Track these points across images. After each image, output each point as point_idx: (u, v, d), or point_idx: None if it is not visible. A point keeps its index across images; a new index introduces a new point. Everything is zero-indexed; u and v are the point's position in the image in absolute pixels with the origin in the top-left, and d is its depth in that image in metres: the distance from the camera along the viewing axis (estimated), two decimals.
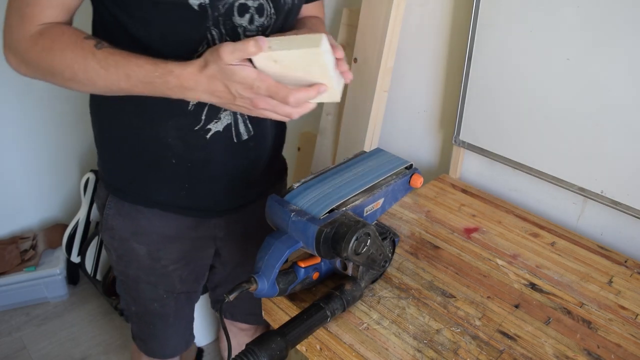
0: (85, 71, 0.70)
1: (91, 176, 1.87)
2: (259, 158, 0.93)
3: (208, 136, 0.84)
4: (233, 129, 0.86)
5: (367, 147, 1.30)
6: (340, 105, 1.39)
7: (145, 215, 0.92)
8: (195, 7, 0.71)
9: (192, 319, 1.14)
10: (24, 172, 1.97)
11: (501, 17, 0.99)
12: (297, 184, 0.77)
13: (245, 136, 0.87)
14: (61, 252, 1.94)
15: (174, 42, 0.74)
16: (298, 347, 0.74)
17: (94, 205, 1.89)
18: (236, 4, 0.74)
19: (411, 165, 0.84)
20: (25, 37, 0.70)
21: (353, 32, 1.29)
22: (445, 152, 1.27)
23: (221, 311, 0.67)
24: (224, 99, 0.70)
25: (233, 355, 0.62)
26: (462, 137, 1.14)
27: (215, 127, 0.84)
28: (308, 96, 0.69)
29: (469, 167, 1.21)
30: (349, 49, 1.33)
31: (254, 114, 0.72)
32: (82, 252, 1.87)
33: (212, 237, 1.00)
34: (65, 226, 1.92)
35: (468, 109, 1.11)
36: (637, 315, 0.81)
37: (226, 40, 0.74)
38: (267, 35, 0.79)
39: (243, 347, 0.63)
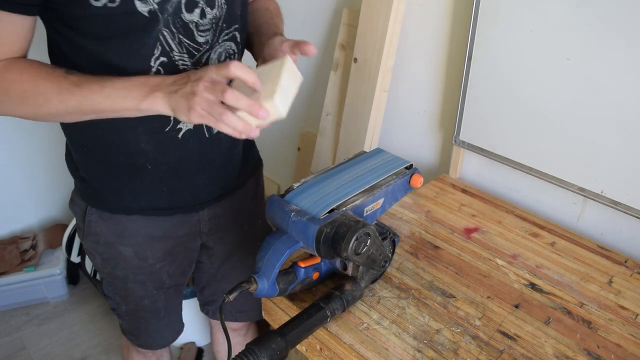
0: (59, 92, 0.70)
1: None
2: (232, 148, 0.93)
3: (180, 136, 0.84)
4: (205, 125, 0.85)
5: (367, 147, 1.30)
6: (340, 105, 1.39)
7: (129, 219, 0.92)
8: (146, 14, 0.71)
9: (181, 309, 1.15)
10: (24, 172, 1.97)
11: (501, 17, 0.99)
12: (297, 184, 0.77)
13: (215, 130, 0.87)
14: (61, 252, 1.93)
15: (130, 50, 0.74)
16: (298, 347, 0.74)
17: None
18: (183, 1, 0.74)
19: (411, 165, 0.84)
20: None
21: (353, 32, 1.29)
22: (445, 152, 1.27)
23: (221, 310, 0.67)
24: (177, 84, 0.69)
25: (233, 355, 0.62)
26: (462, 137, 1.14)
27: (186, 125, 0.84)
28: (245, 103, 0.65)
29: (469, 167, 1.21)
30: (349, 49, 1.33)
31: (191, 105, 0.67)
32: (82, 252, 1.87)
33: (197, 232, 1.01)
34: (65, 226, 1.92)
35: (468, 109, 1.11)
36: (637, 315, 0.81)
37: (179, 39, 0.75)
38: (220, 27, 0.80)
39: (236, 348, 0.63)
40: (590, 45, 0.89)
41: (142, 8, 0.70)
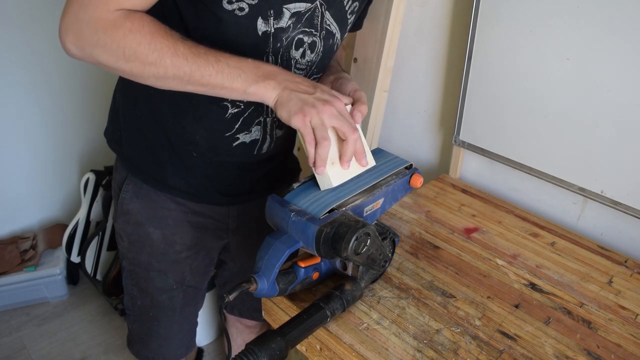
0: (175, 55, 0.68)
1: (91, 176, 1.87)
2: (270, 160, 0.98)
3: (234, 144, 0.88)
4: (258, 144, 0.90)
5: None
6: None
7: (162, 198, 0.95)
8: (259, 33, 0.75)
9: (195, 324, 1.14)
10: (24, 172, 1.97)
11: (501, 17, 0.99)
12: (297, 184, 0.77)
13: (264, 150, 0.92)
14: (61, 252, 1.94)
15: (233, 51, 0.75)
16: (298, 347, 0.74)
17: (94, 205, 1.90)
18: (296, 38, 0.79)
19: (411, 165, 0.84)
20: (106, 18, 0.66)
21: (353, 32, 1.29)
22: (445, 152, 1.27)
23: (221, 311, 0.67)
24: (297, 84, 0.72)
25: (233, 355, 0.62)
26: (462, 137, 1.14)
27: (244, 138, 0.88)
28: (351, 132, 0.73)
29: (469, 167, 1.21)
30: (349, 49, 1.33)
31: (305, 112, 0.70)
32: (82, 252, 1.87)
33: (225, 227, 1.03)
34: (65, 226, 1.92)
35: (468, 109, 1.11)
36: (637, 315, 0.81)
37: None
38: (312, 71, 0.86)
39: None
40: (590, 45, 0.89)
41: (261, 27, 0.74)
